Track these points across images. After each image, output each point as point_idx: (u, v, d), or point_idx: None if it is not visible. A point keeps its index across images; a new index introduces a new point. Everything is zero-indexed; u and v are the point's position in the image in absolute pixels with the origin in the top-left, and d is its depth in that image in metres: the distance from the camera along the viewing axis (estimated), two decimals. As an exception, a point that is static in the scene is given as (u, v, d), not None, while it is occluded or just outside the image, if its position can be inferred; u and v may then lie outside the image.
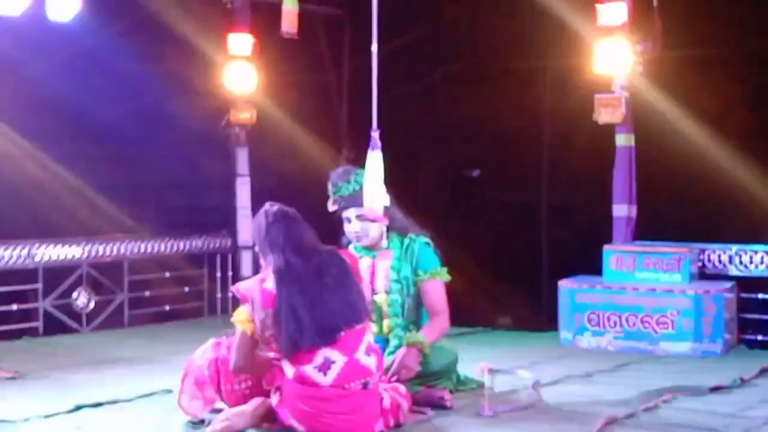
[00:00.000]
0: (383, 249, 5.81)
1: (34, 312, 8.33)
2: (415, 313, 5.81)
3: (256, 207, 9.42)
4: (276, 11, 8.57)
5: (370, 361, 4.84)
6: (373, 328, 5.52)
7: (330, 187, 5.79)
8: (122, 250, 8.89)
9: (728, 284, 7.64)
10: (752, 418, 5.30)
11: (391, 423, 4.99)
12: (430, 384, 5.61)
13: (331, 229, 5.75)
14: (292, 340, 4.77)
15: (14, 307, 8.23)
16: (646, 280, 7.62)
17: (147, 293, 9.11)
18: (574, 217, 8.44)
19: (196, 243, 9.49)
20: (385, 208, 5.78)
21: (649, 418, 5.34)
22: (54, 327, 8.38)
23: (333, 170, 5.92)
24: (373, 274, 5.78)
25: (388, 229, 5.82)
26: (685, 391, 5.92)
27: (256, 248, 5.09)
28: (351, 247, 5.78)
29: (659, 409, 5.52)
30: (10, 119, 7.87)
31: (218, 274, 9.65)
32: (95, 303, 8.69)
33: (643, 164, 8.06)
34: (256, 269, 8.18)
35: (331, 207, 5.77)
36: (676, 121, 7.87)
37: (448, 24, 8.98)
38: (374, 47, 5.59)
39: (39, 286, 8.34)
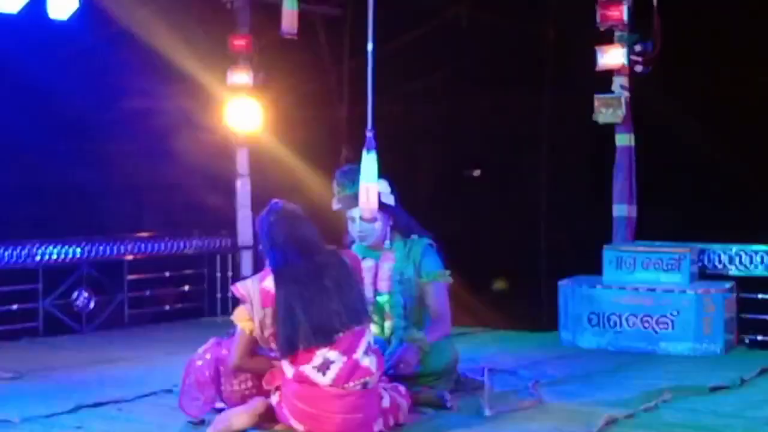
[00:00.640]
0: (386, 250, 5.81)
1: (34, 312, 8.32)
2: (418, 314, 5.81)
3: (256, 207, 9.52)
4: (276, 11, 8.57)
5: (369, 362, 4.84)
6: (375, 329, 5.52)
7: (335, 186, 5.78)
8: (122, 250, 8.90)
9: (728, 284, 7.64)
10: (752, 418, 5.31)
11: (391, 423, 4.99)
12: (430, 384, 5.62)
13: (330, 229, 5.74)
14: (289, 341, 4.78)
15: (14, 307, 8.22)
16: (646, 280, 7.62)
17: (147, 293, 9.11)
18: (573, 217, 8.42)
19: (196, 243, 9.49)
20: (390, 207, 5.79)
21: (649, 418, 5.35)
22: (54, 327, 8.38)
23: (333, 170, 5.92)
24: (375, 275, 5.78)
25: (392, 229, 5.82)
26: (685, 391, 5.93)
27: (260, 246, 5.09)
28: (354, 248, 5.78)
29: (659, 409, 5.53)
30: (9, 117, 7.86)
31: (218, 274, 9.65)
32: (95, 303, 8.69)
33: (643, 164, 8.06)
34: (256, 269, 8.21)
35: (335, 206, 5.77)
36: (676, 121, 7.86)
37: (449, 24, 8.98)
38: (370, 47, 5.59)
39: (39, 286, 8.34)
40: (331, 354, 4.77)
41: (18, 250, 8.18)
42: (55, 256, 8.43)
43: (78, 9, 7.98)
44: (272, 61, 9.43)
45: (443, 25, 9.09)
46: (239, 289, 4.95)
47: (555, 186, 8.66)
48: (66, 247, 8.49)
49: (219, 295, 9.59)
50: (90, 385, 6.23)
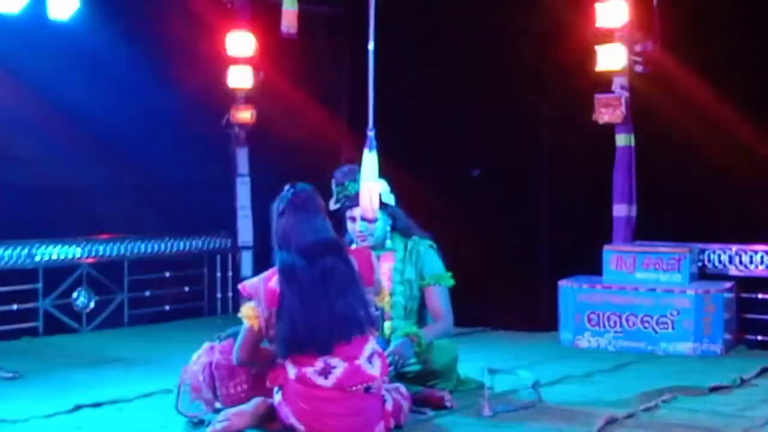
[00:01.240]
0: (386, 250, 5.81)
1: (34, 312, 8.33)
2: (419, 315, 5.81)
3: (256, 207, 9.53)
4: (276, 11, 8.57)
5: (372, 367, 4.82)
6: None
7: (334, 185, 5.78)
8: (122, 250, 8.90)
9: (728, 284, 7.65)
10: (752, 418, 5.31)
11: (392, 424, 4.99)
12: (430, 384, 5.62)
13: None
14: (287, 345, 4.77)
15: (14, 307, 8.22)
16: (646, 280, 7.62)
17: (147, 293, 9.12)
18: (573, 217, 8.42)
19: (196, 243, 9.50)
20: (390, 207, 5.78)
21: (649, 418, 5.35)
22: (54, 327, 8.38)
23: (334, 169, 5.92)
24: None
25: (392, 229, 5.82)
26: (685, 391, 5.93)
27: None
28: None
29: (659, 409, 5.53)
30: (9, 117, 7.86)
31: (218, 274, 9.65)
32: (95, 303, 8.69)
33: (643, 164, 8.05)
34: (257, 269, 8.21)
35: (334, 205, 5.76)
36: (676, 121, 7.86)
37: (449, 23, 8.97)
38: (371, 46, 5.59)
39: (39, 286, 8.35)
40: (332, 360, 4.76)
41: (18, 250, 8.19)
42: (55, 256, 8.44)
43: (79, 9, 7.99)
44: (272, 60, 9.44)
45: (443, 24, 9.08)
46: (246, 288, 4.93)
47: (555, 186, 8.65)
48: (66, 247, 8.50)
49: (219, 295, 9.60)
50: (90, 385, 6.23)
